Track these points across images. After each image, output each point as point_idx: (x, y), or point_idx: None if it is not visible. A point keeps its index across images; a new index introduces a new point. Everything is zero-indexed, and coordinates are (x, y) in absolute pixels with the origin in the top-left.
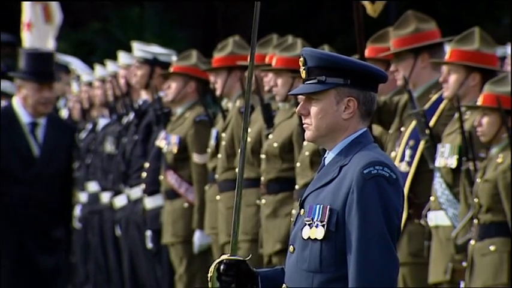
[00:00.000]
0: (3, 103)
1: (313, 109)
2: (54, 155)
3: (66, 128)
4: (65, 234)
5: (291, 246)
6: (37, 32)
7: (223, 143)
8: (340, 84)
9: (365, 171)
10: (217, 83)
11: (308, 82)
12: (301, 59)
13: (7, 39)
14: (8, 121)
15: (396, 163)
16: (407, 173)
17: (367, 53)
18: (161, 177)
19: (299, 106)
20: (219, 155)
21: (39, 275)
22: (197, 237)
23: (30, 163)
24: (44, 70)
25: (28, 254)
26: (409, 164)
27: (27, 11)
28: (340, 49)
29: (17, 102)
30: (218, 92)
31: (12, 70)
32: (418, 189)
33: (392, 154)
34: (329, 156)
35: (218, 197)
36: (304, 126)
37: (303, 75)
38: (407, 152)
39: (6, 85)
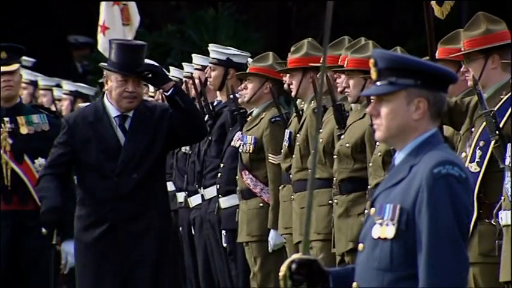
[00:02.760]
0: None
1: (384, 110)
2: (138, 143)
3: (155, 110)
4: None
5: (361, 245)
6: (113, 34)
7: (297, 143)
8: (410, 85)
9: (435, 171)
10: (292, 83)
11: (379, 83)
12: (372, 60)
13: (85, 41)
14: (96, 115)
15: (467, 163)
16: (478, 173)
17: (438, 54)
18: (237, 177)
19: (369, 107)
20: (294, 155)
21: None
22: (271, 237)
23: (117, 156)
24: (129, 62)
25: (117, 247)
26: (480, 164)
27: (103, 14)
28: (413, 50)
29: (106, 96)
30: (293, 93)
31: (89, 72)
32: (489, 189)
33: (463, 154)
34: (399, 157)
35: (293, 197)
36: (374, 126)
37: (374, 76)
38: (478, 153)
39: (82, 87)
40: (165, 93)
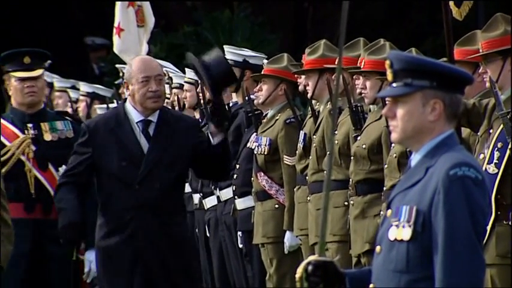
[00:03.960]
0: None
1: (400, 111)
2: (163, 152)
3: (184, 123)
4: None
5: (378, 247)
6: (128, 35)
7: (313, 144)
8: (426, 87)
9: (451, 173)
10: (308, 85)
11: (394, 85)
12: (388, 61)
13: (101, 42)
14: (118, 121)
15: (485, 165)
16: (496, 174)
17: (455, 55)
18: (252, 179)
19: (385, 108)
20: (310, 157)
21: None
22: (287, 238)
23: (139, 164)
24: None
25: (137, 257)
26: (498, 165)
27: (118, 15)
28: (429, 51)
29: (128, 100)
30: (309, 94)
31: (105, 74)
32: (507, 191)
33: (481, 156)
34: (415, 158)
35: (309, 198)
36: (390, 128)
37: (390, 77)
38: (496, 154)
39: (99, 88)
40: (212, 138)
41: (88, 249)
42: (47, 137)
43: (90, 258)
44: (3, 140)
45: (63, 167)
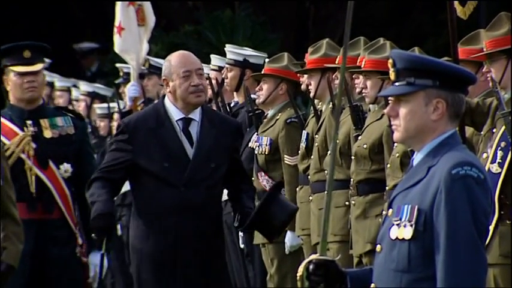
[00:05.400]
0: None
1: (402, 110)
2: (210, 155)
3: (228, 126)
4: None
5: (379, 246)
6: (129, 35)
7: (315, 144)
8: (429, 86)
9: (453, 172)
10: (310, 84)
11: (397, 84)
12: (390, 60)
13: (88, 48)
14: (158, 120)
15: (488, 164)
16: (499, 174)
17: (458, 54)
18: (253, 179)
19: (388, 107)
20: (312, 156)
21: None
22: (288, 238)
23: (183, 165)
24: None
25: (177, 262)
26: (501, 165)
27: (119, 15)
28: (431, 51)
29: (167, 98)
30: (311, 94)
31: (96, 75)
32: (510, 190)
33: (484, 155)
34: (417, 157)
35: (311, 198)
36: (392, 127)
37: (392, 77)
38: (499, 153)
39: (100, 87)
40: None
41: (92, 252)
42: (47, 134)
43: (94, 261)
44: (2, 138)
45: (65, 164)
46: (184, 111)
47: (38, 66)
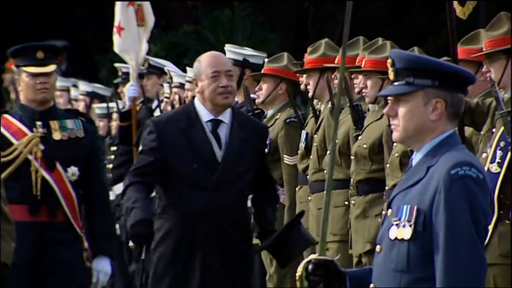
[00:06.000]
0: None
1: (401, 110)
2: (239, 158)
3: (257, 129)
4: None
5: (378, 246)
6: (128, 35)
7: (314, 144)
8: (428, 86)
9: (452, 172)
10: (309, 84)
11: (396, 83)
12: (390, 60)
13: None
14: (189, 121)
15: (487, 164)
16: (499, 173)
17: (458, 54)
18: None
19: (387, 107)
20: (311, 156)
21: None
22: None
23: (212, 167)
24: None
25: (203, 266)
26: (500, 165)
27: (118, 15)
28: (431, 50)
29: (197, 98)
30: (310, 94)
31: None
32: (509, 190)
33: (484, 155)
34: (416, 157)
35: (310, 198)
36: (391, 127)
37: (391, 76)
38: (498, 153)
39: (99, 87)
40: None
41: (96, 257)
42: (56, 136)
43: (98, 267)
44: (10, 137)
45: (72, 167)
46: (214, 113)
47: (51, 68)
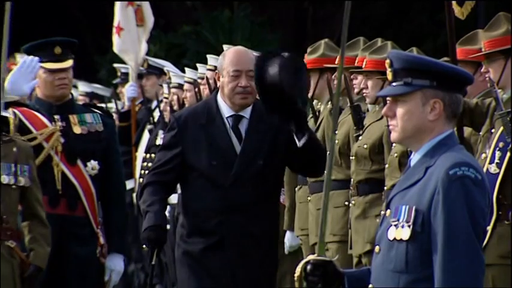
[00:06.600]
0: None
1: (399, 111)
2: (257, 151)
3: (276, 120)
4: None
5: (377, 247)
6: (127, 35)
7: None
8: (426, 86)
9: (450, 172)
10: (309, 84)
11: (394, 84)
12: (388, 61)
13: None
14: (209, 116)
15: (486, 164)
16: (498, 174)
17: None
18: None
19: (385, 107)
20: None
21: None
22: (287, 238)
23: (231, 163)
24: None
25: (224, 263)
26: (499, 165)
27: (118, 15)
28: (429, 51)
29: (219, 94)
30: (310, 94)
31: None
32: (508, 191)
33: (483, 156)
34: (415, 158)
35: (309, 198)
36: (390, 127)
37: (390, 77)
38: (497, 154)
39: (98, 88)
40: (298, 141)
41: (110, 254)
42: (77, 130)
43: (111, 266)
44: (29, 126)
45: (92, 161)
46: (234, 109)
47: (69, 63)
